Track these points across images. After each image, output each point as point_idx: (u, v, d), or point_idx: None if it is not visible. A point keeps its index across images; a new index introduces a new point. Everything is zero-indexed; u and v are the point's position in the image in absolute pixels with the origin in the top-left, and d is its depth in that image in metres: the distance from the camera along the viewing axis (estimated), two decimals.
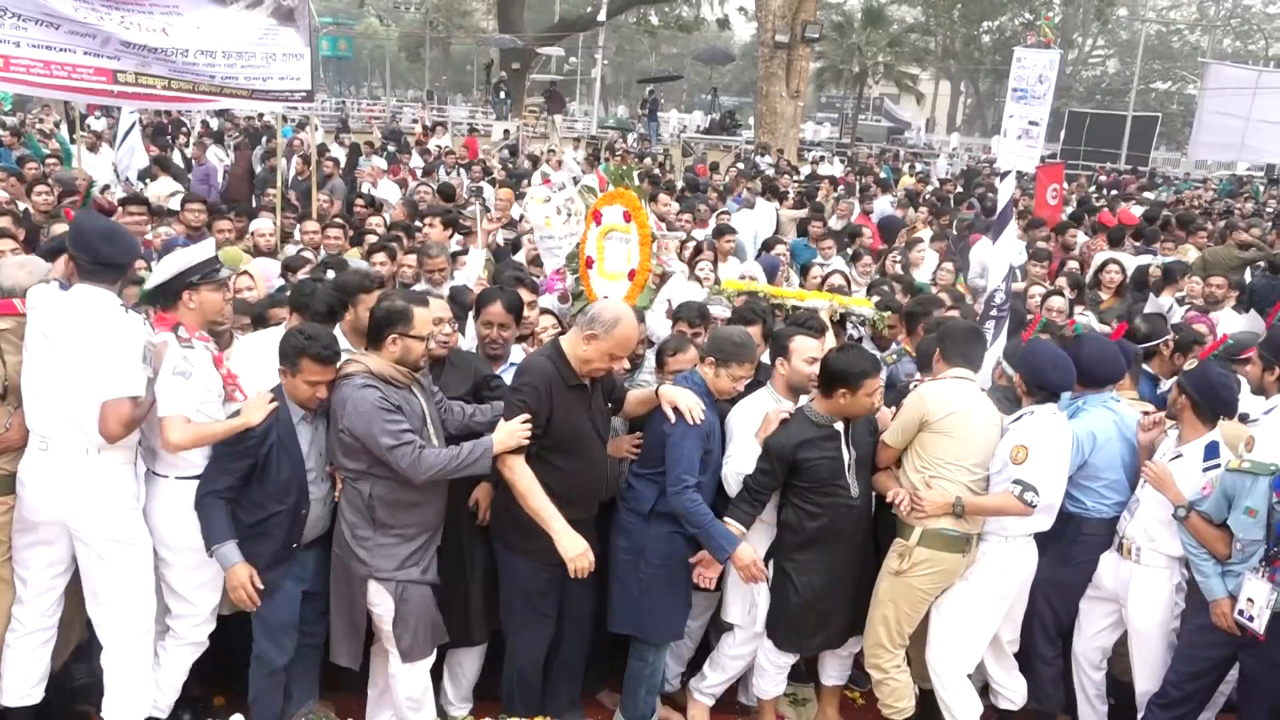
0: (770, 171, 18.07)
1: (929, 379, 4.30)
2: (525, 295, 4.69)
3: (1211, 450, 4.04)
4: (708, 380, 3.95)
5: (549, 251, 5.97)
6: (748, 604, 4.22)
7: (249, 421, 3.55)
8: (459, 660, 4.22)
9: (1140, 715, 4.22)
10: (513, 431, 3.60)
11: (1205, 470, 4.01)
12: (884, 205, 13.29)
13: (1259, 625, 3.70)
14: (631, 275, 5.12)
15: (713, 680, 4.38)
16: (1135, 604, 4.21)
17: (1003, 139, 8.34)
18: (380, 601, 3.64)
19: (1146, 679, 4.24)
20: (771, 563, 4.15)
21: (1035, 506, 3.93)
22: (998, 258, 5.80)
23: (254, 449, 3.59)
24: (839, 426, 4.03)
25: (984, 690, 4.42)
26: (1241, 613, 3.76)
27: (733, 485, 4.06)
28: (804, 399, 4.20)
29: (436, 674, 4.04)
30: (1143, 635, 4.22)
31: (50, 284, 3.61)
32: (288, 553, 3.71)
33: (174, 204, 8.47)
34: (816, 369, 4.04)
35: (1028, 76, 10.70)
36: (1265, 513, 3.72)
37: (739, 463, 4.06)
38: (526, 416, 3.61)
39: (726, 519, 3.97)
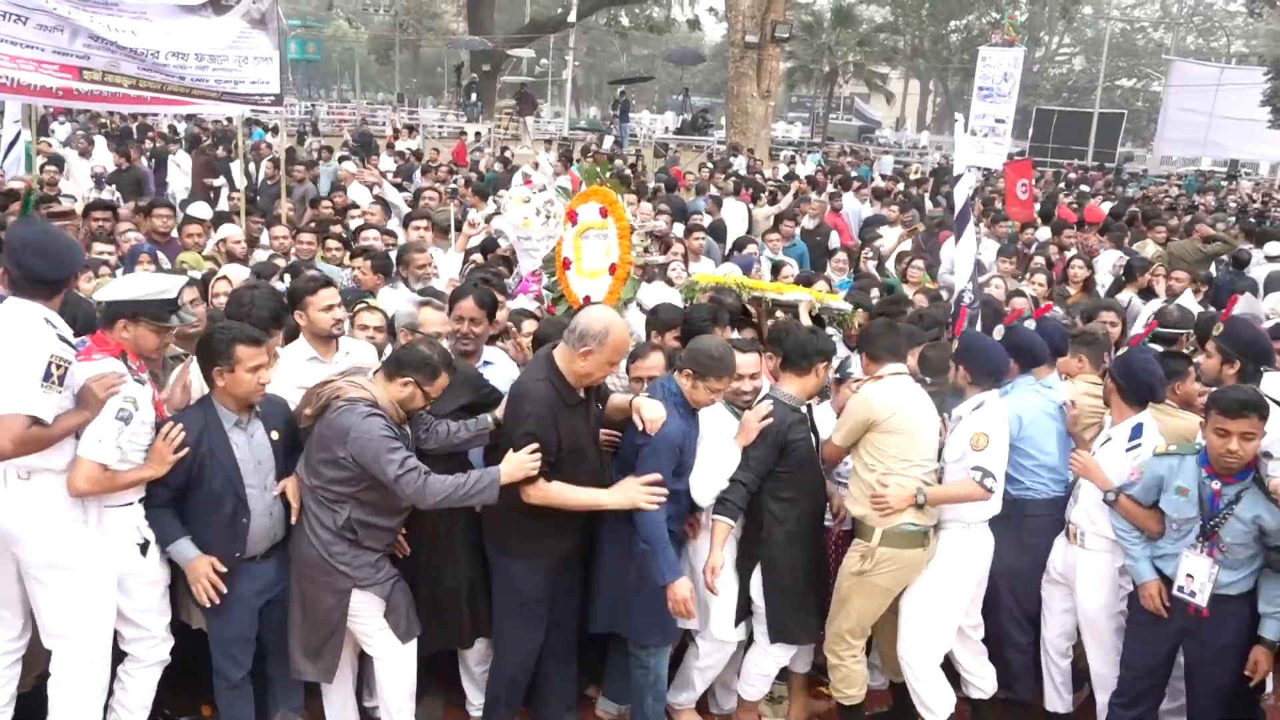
0: (742, 171, 18.10)
1: (866, 380, 4.28)
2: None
3: (1135, 431, 4.15)
4: (684, 391, 3.89)
5: (526, 253, 5.94)
6: (708, 614, 4.19)
7: (156, 472, 3.47)
8: (467, 661, 4.24)
9: (1105, 715, 4.26)
10: (521, 464, 3.57)
11: (1128, 450, 4.11)
12: (853, 203, 13.37)
13: (1201, 599, 3.77)
14: (612, 270, 5.09)
15: (688, 698, 4.38)
16: (1081, 587, 4.27)
17: (961, 137, 8.36)
18: (367, 606, 3.65)
19: (1099, 660, 4.30)
20: (759, 563, 4.16)
21: (994, 491, 4.03)
22: (961, 255, 5.83)
23: (182, 461, 3.52)
24: (803, 409, 4.17)
25: (955, 681, 4.44)
26: (1181, 589, 3.83)
27: (699, 495, 4.05)
28: (766, 385, 4.28)
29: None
30: (1089, 617, 4.28)
31: None
32: (232, 563, 3.63)
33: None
34: (752, 384, 4.16)
35: (993, 75, 10.76)
36: (1196, 490, 3.80)
37: (703, 476, 4.03)
38: (535, 446, 3.59)
39: (716, 516, 4.00)
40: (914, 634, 4.19)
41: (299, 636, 3.73)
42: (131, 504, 3.54)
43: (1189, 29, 54.51)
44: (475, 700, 4.26)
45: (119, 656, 3.64)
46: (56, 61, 6.44)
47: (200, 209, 8.34)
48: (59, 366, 3.16)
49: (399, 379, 3.59)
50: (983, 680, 4.40)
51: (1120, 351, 4.34)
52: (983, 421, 4.09)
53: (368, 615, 3.68)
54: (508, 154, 19.35)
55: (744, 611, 4.23)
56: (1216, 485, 3.76)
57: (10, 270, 3.31)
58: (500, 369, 4.41)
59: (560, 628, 4.06)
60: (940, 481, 4.14)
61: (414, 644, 3.80)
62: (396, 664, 3.78)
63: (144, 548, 3.56)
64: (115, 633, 3.57)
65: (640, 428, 3.78)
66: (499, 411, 3.87)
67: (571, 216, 5.31)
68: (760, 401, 4.15)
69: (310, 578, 3.66)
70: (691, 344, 3.99)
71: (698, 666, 4.31)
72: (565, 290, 5.35)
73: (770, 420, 4.03)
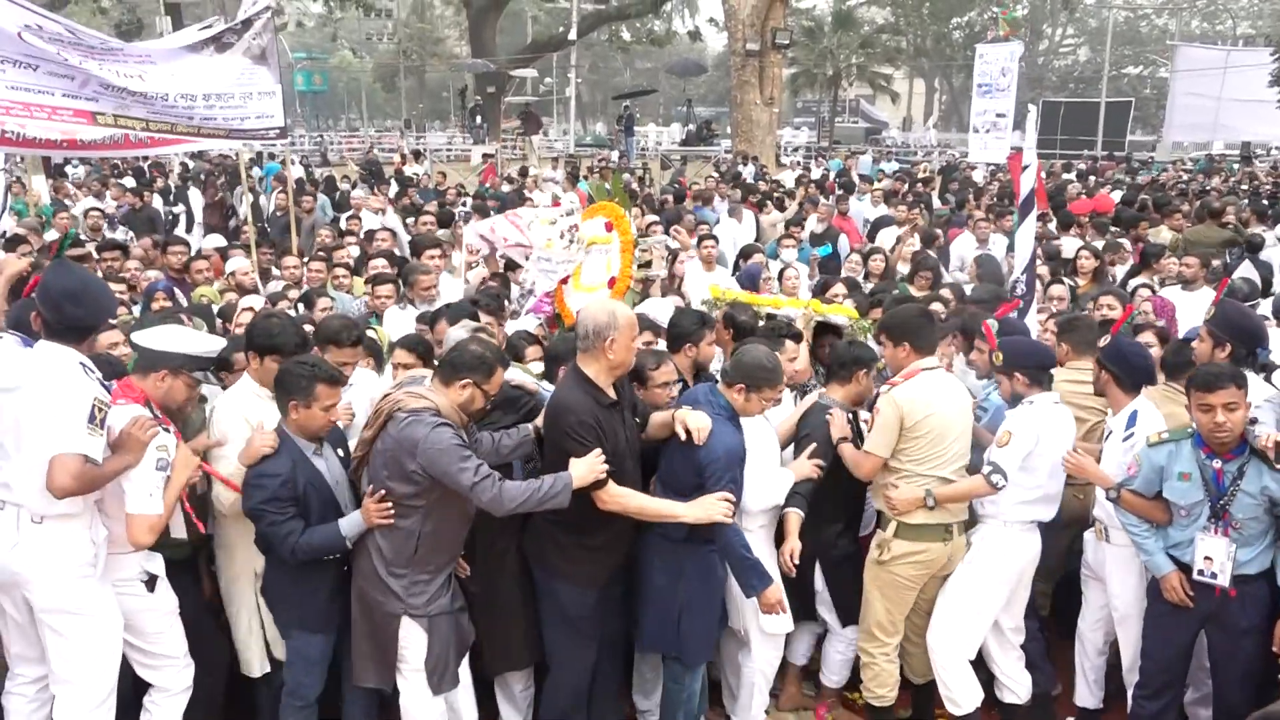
0: (750, 180, 18.13)
1: (897, 379, 4.20)
2: (484, 317, 4.72)
3: (1130, 420, 4.15)
4: (736, 405, 3.89)
5: (544, 274, 5.92)
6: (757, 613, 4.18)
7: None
8: (508, 683, 4.23)
9: (1129, 707, 4.24)
10: (592, 467, 3.56)
11: (1124, 440, 4.11)
12: (858, 206, 13.37)
13: (1224, 579, 3.76)
14: (611, 283, 5.11)
15: (758, 705, 4.36)
16: (1111, 583, 4.27)
17: (974, 134, 8.41)
18: (412, 638, 3.61)
19: (1130, 656, 4.27)
20: (816, 556, 4.33)
21: (1000, 488, 4.01)
22: (1020, 247, 5.85)
23: (291, 494, 3.57)
24: (850, 414, 4.37)
25: (988, 684, 4.42)
26: (1202, 573, 3.81)
27: (753, 501, 4.06)
28: (816, 393, 4.48)
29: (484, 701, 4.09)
30: (1122, 613, 4.27)
31: (5, 338, 3.48)
32: (335, 605, 3.72)
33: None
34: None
35: (991, 71, 10.74)
36: (1199, 472, 3.79)
37: (756, 482, 4.04)
38: (598, 451, 3.59)
39: (789, 509, 4.14)
40: (944, 625, 4.20)
41: (360, 646, 3.72)
42: (131, 549, 3.52)
43: (1193, 13, 54.20)
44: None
45: (141, 689, 3.69)
46: (69, 106, 6.52)
47: (213, 241, 8.47)
48: (100, 409, 3.26)
49: (457, 382, 3.54)
50: (1017, 685, 4.37)
51: (1106, 340, 4.31)
52: (1015, 420, 4.10)
53: (410, 652, 3.63)
54: (514, 174, 19.45)
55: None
56: (1218, 464, 3.75)
57: (46, 315, 3.36)
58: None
59: (611, 645, 4.05)
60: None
61: (442, 700, 3.74)
62: (420, 710, 3.70)
63: (150, 583, 3.59)
64: (134, 668, 3.62)
65: (683, 438, 3.76)
66: (538, 421, 3.89)
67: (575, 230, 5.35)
68: (813, 407, 4.41)
69: (366, 596, 3.65)
70: (739, 358, 3.97)
71: (759, 670, 4.29)
72: (560, 307, 5.35)
73: (847, 426, 4.27)
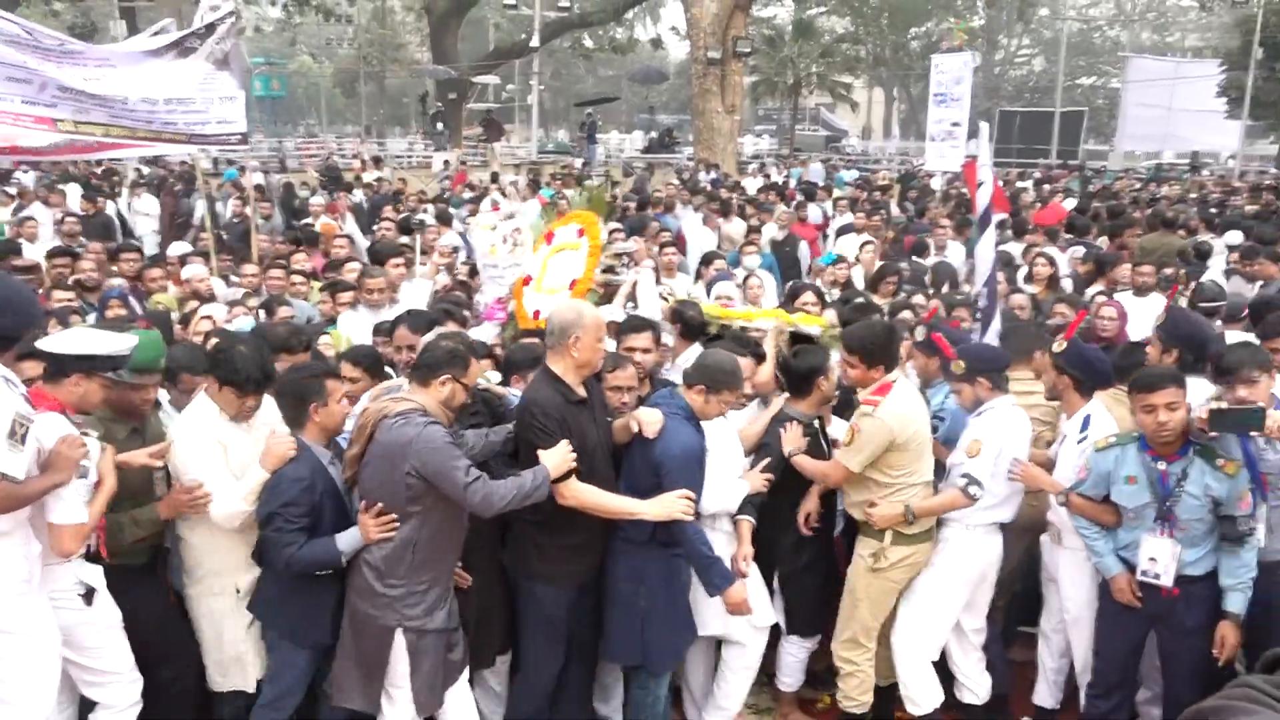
0: (710, 187, 18.20)
1: (874, 396, 4.16)
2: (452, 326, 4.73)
3: (1084, 423, 4.23)
4: (695, 406, 3.92)
5: (492, 280, 5.93)
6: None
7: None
8: (486, 680, 4.23)
9: (1082, 706, 4.31)
10: (564, 457, 3.58)
11: (1078, 443, 4.18)
12: (816, 212, 13.49)
13: (1167, 580, 3.83)
14: (572, 285, 5.11)
15: (734, 704, 4.36)
16: (1063, 585, 4.35)
17: (930, 142, 8.51)
18: (401, 654, 3.56)
19: (1081, 656, 4.34)
20: (775, 570, 4.37)
21: (977, 499, 4.07)
22: (980, 259, 5.91)
23: (310, 499, 3.55)
24: (814, 423, 4.38)
25: (948, 684, 4.47)
26: (1145, 573, 3.88)
27: (710, 503, 4.06)
28: (780, 399, 4.50)
29: None
30: (1073, 615, 4.34)
31: None
32: (327, 621, 3.68)
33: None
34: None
35: (946, 80, 10.88)
36: (1144, 474, 3.86)
37: (715, 484, 4.05)
38: (566, 442, 3.61)
39: (740, 517, 4.15)
40: (908, 628, 4.25)
41: (345, 664, 3.65)
42: (72, 558, 3.44)
43: (1144, 25, 55.36)
44: (496, 716, 4.23)
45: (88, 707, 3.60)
46: (29, 113, 6.40)
47: (179, 248, 8.39)
48: (21, 425, 3.10)
49: (435, 380, 3.54)
50: (977, 685, 4.43)
51: (1062, 344, 4.37)
52: (982, 428, 4.15)
53: (399, 670, 3.57)
54: (474, 182, 19.38)
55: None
56: (1163, 465, 3.82)
57: None
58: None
59: (577, 650, 4.04)
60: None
61: None
62: None
63: (88, 596, 3.49)
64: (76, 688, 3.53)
65: (636, 430, 3.81)
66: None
67: (549, 237, 5.33)
68: (774, 419, 4.41)
69: (359, 609, 3.60)
70: (700, 360, 4.03)
71: (741, 667, 4.31)
72: (518, 308, 5.33)
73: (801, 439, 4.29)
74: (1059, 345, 4.35)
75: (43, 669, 3.33)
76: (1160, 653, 4.07)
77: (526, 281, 5.30)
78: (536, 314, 5.13)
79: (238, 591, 3.87)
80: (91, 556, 3.57)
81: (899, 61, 50.20)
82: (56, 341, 3.52)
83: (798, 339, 5.18)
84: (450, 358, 3.56)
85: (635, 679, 4.13)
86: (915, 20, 47.05)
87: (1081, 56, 53.68)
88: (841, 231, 11.54)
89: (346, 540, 3.55)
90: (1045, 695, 4.59)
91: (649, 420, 3.80)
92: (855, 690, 4.31)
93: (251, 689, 3.94)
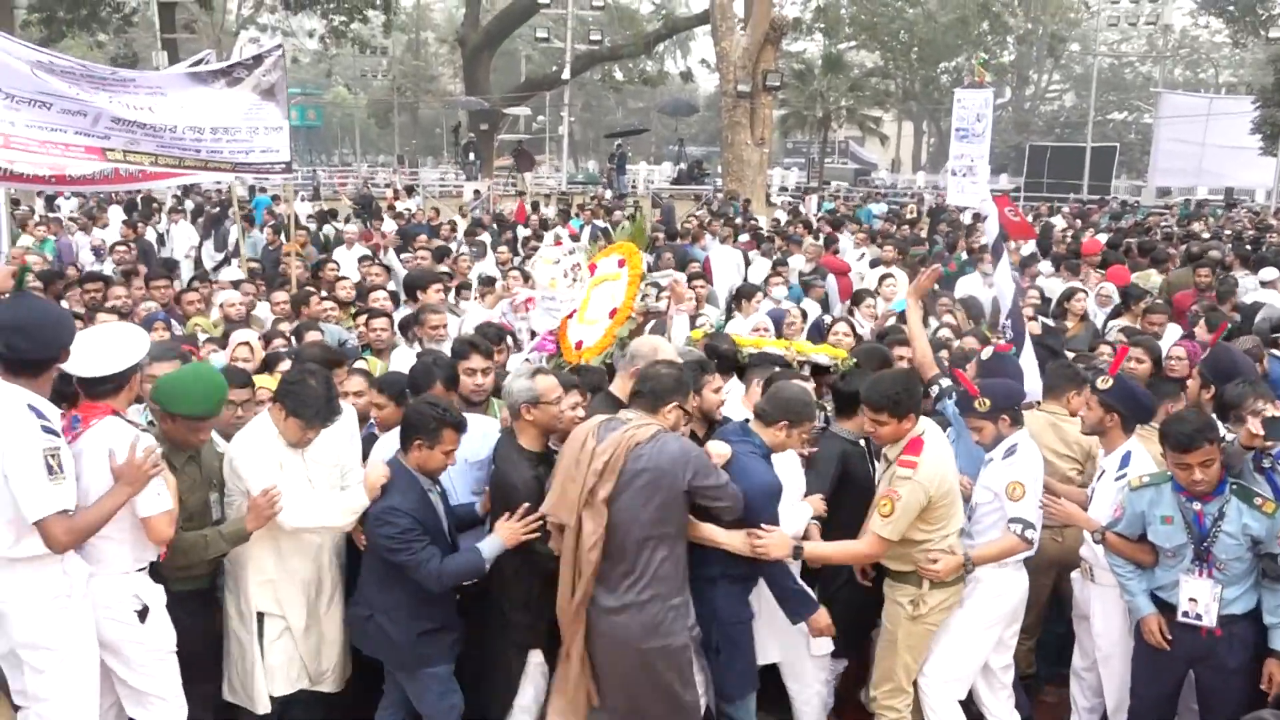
0: (739, 220, 18.27)
1: (907, 456, 3.99)
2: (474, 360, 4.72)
3: (1124, 460, 4.19)
4: (775, 442, 3.95)
5: (548, 312, 5.95)
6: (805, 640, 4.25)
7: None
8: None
9: None
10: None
11: (1116, 480, 4.14)
12: (847, 243, 13.49)
13: (1209, 620, 3.77)
14: (612, 314, 5.11)
15: None
16: (1095, 622, 4.29)
17: (952, 177, 8.52)
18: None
19: (1114, 695, 4.28)
20: (815, 589, 4.30)
21: (1034, 543, 4.03)
22: (1001, 288, 5.89)
23: (420, 524, 3.66)
24: (861, 443, 4.45)
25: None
26: (1186, 614, 3.82)
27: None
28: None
29: None
30: (1104, 652, 4.28)
31: None
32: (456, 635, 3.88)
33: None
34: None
35: (967, 116, 10.87)
36: (1180, 515, 3.81)
37: (787, 521, 4.06)
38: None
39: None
40: (938, 669, 4.18)
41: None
42: (129, 572, 3.51)
43: (1176, 61, 55.16)
44: None
45: None
46: (81, 144, 6.57)
47: (229, 273, 8.58)
48: (54, 456, 3.19)
49: (664, 407, 3.68)
50: None
51: (1108, 381, 4.33)
52: (1018, 469, 4.07)
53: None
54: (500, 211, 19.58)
55: None
56: (1198, 506, 3.78)
57: None
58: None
59: None
60: (969, 520, 4.17)
61: None
62: None
63: (143, 614, 3.51)
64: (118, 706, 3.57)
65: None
66: None
67: (592, 268, 5.38)
68: (824, 435, 4.51)
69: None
70: (776, 395, 4.04)
71: (814, 694, 4.35)
72: (561, 340, 5.38)
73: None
74: (1104, 382, 4.30)
75: (79, 684, 3.37)
76: (1199, 692, 3.99)
77: (571, 315, 5.34)
78: (579, 344, 5.18)
79: (256, 612, 3.94)
80: (155, 576, 3.64)
81: (928, 95, 50.29)
82: (103, 360, 3.48)
83: (815, 369, 5.26)
84: (677, 385, 3.69)
85: (722, 715, 4.11)
86: (945, 55, 47.14)
87: (1113, 92, 53.56)
88: (871, 265, 11.54)
89: (489, 547, 3.65)
90: None
91: (718, 452, 3.83)
92: None
93: (259, 711, 3.98)
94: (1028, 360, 5.43)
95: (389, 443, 4.14)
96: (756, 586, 4.07)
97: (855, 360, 5.33)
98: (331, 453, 4.04)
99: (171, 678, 3.63)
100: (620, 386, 3.84)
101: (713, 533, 3.79)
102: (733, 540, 3.78)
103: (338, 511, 3.86)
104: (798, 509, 4.17)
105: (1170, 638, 3.88)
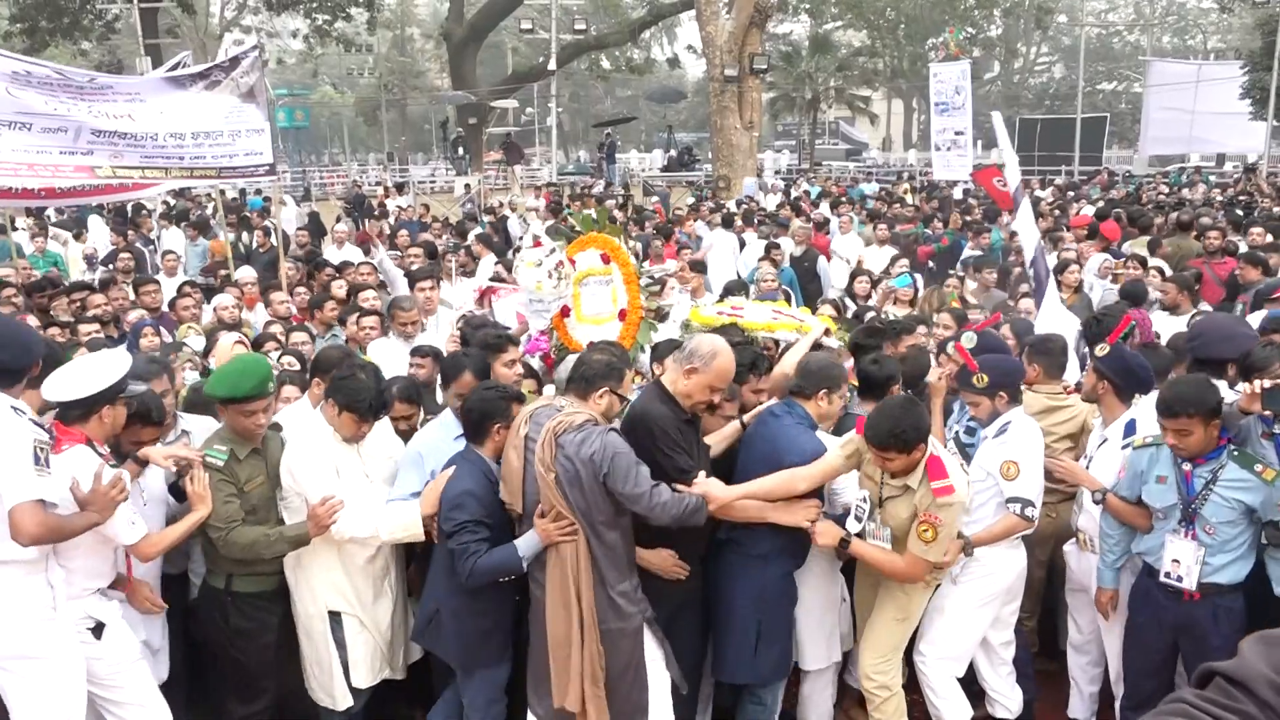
0: (733, 207, 18.26)
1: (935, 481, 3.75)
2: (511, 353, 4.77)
3: (1130, 428, 4.18)
4: (820, 412, 3.97)
5: (536, 314, 5.88)
6: (826, 639, 4.26)
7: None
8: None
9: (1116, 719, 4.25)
10: (805, 514, 3.78)
11: (1123, 448, 4.13)
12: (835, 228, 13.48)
13: (1189, 583, 3.76)
14: (622, 315, 5.05)
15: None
16: (1094, 593, 4.25)
17: (936, 152, 8.54)
18: (652, 640, 3.67)
19: (1116, 666, 4.27)
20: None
21: (1034, 520, 4.00)
22: (1025, 237, 5.84)
23: (488, 512, 3.66)
24: None
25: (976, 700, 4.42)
26: (1169, 575, 3.82)
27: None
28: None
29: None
30: (1108, 624, 4.26)
31: None
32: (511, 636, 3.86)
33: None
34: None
35: (945, 90, 10.85)
36: (1173, 476, 3.82)
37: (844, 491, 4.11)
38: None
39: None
40: (937, 645, 4.18)
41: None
42: (79, 596, 3.51)
43: (1164, 29, 55.00)
44: None
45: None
46: (68, 163, 6.52)
47: (245, 273, 8.62)
48: (42, 449, 3.23)
49: (594, 393, 3.62)
50: (1009, 700, 4.37)
51: (1105, 349, 4.33)
52: (1010, 448, 4.06)
53: (655, 654, 3.73)
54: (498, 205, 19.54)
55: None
56: (1188, 467, 3.77)
57: None
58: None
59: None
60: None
61: None
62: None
63: (97, 630, 3.54)
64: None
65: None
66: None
67: (570, 263, 5.31)
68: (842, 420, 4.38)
69: (607, 626, 3.70)
70: (806, 369, 4.04)
71: (825, 692, 4.35)
72: (564, 339, 5.34)
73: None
74: (1101, 350, 4.30)
75: (69, 694, 3.40)
76: (1185, 668, 3.95)
77: (565, 313, 5.27)
78: (591, 345, 5.12)
79: (328, 611, 3.99)
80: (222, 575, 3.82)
81: (916, 73, 50.10)
82: (66, 386, 3.51)
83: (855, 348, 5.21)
84: (608, 370, 3.65)
85: (749, 695, 4.13)
86: (932, 31, 46.94)
87: (1101, 62, 53.38)
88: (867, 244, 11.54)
89: (525, 545, 3.59)
90: (1079, 708, 4.53)
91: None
92: (895, 715, 4.13)
93: (340, 708, 4.04)
94: (1053, 306, 5.42)
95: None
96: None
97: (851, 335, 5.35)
98: (385, 444, 4.14)
99: (143, 684, 3.67)
100: (672, 379, 3.76)
101: (763, 511, 3.77)
102: (794, 516, 3.77)
103: (394, 528, 3.85)
104: (851, 479, 4.08)
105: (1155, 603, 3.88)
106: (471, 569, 3.59)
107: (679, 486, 3.60)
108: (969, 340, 4.49)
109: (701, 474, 3.71)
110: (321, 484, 3.84)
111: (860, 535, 3.89)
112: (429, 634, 3.92)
